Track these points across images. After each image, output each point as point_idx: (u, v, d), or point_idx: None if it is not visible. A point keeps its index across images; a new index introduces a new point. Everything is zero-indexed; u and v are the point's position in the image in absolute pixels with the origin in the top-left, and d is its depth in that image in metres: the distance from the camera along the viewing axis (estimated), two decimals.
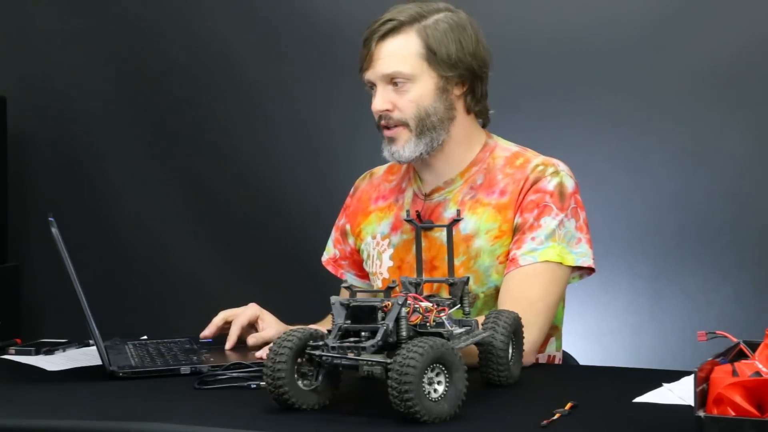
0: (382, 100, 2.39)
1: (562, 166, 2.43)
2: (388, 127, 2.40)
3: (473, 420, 1.80)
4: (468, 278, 2.05)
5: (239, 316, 2.48)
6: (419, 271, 2.08)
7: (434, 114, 2.39)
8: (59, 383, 2.20)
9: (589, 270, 2.42)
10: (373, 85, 2.41)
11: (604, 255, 3.72)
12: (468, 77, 2.41)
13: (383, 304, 1.84)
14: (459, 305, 2.02)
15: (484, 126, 2.50)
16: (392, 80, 2.38)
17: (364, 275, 2.61)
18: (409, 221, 2.13)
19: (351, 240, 2.60)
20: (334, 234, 2.66)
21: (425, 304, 1.90)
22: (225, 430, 1.76)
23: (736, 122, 3.62)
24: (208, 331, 2.47)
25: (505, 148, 2.48)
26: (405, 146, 2.39)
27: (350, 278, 2.63)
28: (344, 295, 2.61)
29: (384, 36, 2.38)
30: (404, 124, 2.39)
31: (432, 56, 2.37)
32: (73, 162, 4.24)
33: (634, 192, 3.72)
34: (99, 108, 4.20)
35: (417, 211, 2.40)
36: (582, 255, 2.39)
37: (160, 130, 4.18)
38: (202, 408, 1.93)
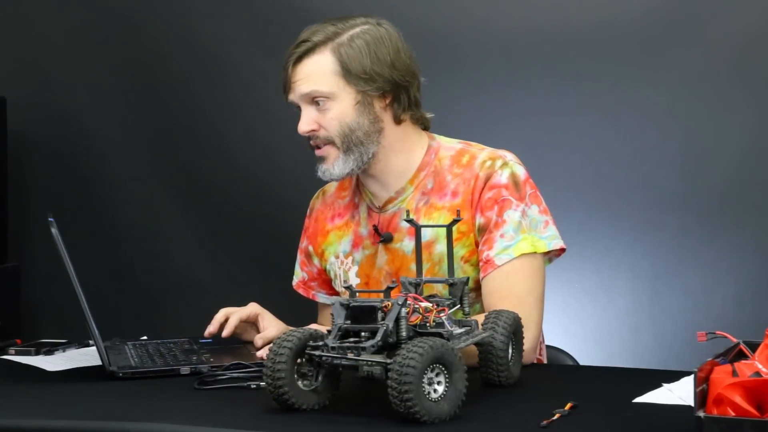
0: (306, 121, 2.42)
1: (509, 156, 2.44)
2: (318, 147, 2.43)
3: (473, 420, 1.80)
4: (468, 279, 2.06)
5: (239, 310, 2.50)
6: (419, 271, 2.08)
7: (359, 129, 2.40)
8: (59, 383, 2.20)
9: (559, 251, 2.43)
10: (297, 108, 2.44)
11: (604, 255, 3.72)
12: (390, 89, 2.42)
13: (383, 305, 1.84)
14: (459, 305, 2.02)
15: (425, 129, 2.51)
16: (313, 100, 2.40)
17: (335, 293, 2.62)
18: (408, 221, 2.12)
19: (316, 261, 2.62)
20: (300, 257, 2.67)
21: (425, 304, 1.90)
22: (225, 430, 1.76)
23: (737, 122, 3.62)
24: (212, 327, 2.48)
25: (448, 147, 2.49)
26: (334, 164, 2.42)
27: (322, 298, 2.64)
28: (324, 314, 2.63)
29: (299, 58, 2.40)
30: (331, 142, 2.41)
31: (347, 73, 2.38)
32: (73, 162, 4.23)
33: (634, 192, 3.71)
34: (99, 108, 4.20)
35: (374, 225, 2.42)
36: (552, 238, 2.41)
37: (161, 130, 4.18)
38: (202, 408, 1.93)
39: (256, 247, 4.08)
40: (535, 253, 2.37)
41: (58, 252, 2.20)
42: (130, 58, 4.17)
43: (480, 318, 2.07)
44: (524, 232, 2.37)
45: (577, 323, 3.69)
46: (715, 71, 3.62)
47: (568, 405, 1.84)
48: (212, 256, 4.12)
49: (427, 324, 1.88)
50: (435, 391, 1.77)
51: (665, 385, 1.98)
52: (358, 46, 2.39)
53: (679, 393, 1.92)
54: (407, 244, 2.43)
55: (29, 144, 4.27)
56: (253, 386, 2.07)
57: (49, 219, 2.24)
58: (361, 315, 1.84)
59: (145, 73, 4.17)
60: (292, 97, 2.43)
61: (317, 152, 2.44)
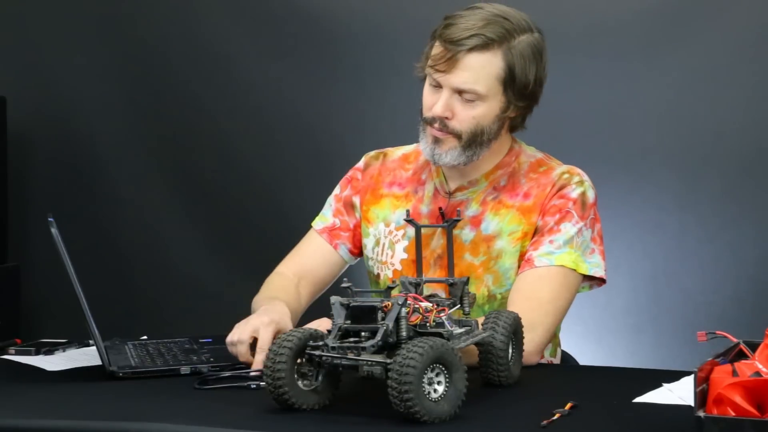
0: (444, 107, 2.36)
1: (585, 177, 2.47)
2: (440, 131, 2.38)
3: (473, 420, 1.80)
4: (468, 278, 2.06)
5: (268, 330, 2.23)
6: (419, 271, 2.08)
7: (487, 133, 2.39)
8: (59, 383, 2.20)
9: (600, 281, 2.43)
10: (438, 85, 2.37)
11: (605, 255, 3.72)
12: (528, 107, 2.42)
13: (383, 304, 1.84)
14: (459, 305, 2.02)
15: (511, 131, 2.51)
16: (461, 92, 2.36)
17: (357, 251, 2.59)
18: (408, 221, 2.12)
19: (358, 214, 2.58)
20: (335, 204, 2.60)
21: (425, 304, 1.90)
22: (225, 430, 1.76)
23: (737, 121, 3.62)
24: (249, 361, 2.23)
25: (530, 154, 2.50)
26: (448, 152, 2.39)
27: (343, 251, 2.59)
28: (331, 268, 2.59)
29: (471, 49, 2.33)
30: (456, 135, 2.38)
31: (510, 83, 2.36)
32: (73, 162, 4.24)
33: (634, 192, 3.71)
34: (99, 108, 4.20)
35: (440, 208, 2.40)
36: (595, 265, 2.41)
37: (161, 130, 4.18)
38: (202, 408, 1.93)
39: (256, 247, 4.08)
40: (575, 270, 2.38)
41: (58, 252, 2.20)
42: (130, 58, 4.17)
43: (480, 318, 2.07)
44: (572, 248, 2.38)
45: (577, 323, 3.68)
46: (715, 71, 3.62)
47: (568, 405, 1.84)
48: (212, 256, 4.13)
49: (427, 324, 1.88)
50: (435, 391, 1.77)
51: (665, 385, 1.98)
52: (528, 57, 2.37)
53: (679, 393, 1.92)
54: (467, 233, 2.43)
55: (29, 144, 4.27)
56: (253, 386, 2.07)
57: (49, 219, 2.23)
58: (361, 315, 1.84)
59: (145, 73, 4.17)
60: (443, 80, 2.35)
61: (437, 133, 2.38)
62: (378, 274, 2.54)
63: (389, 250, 2.51)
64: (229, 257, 4.11)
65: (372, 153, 2.63)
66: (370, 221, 2.55)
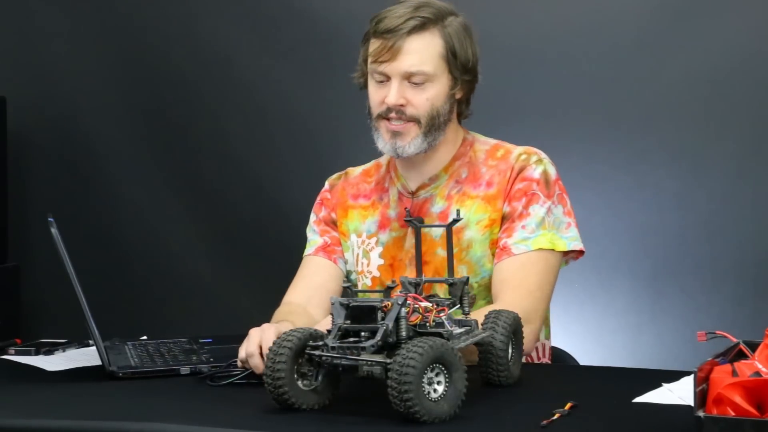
0: (398, 95, 2.38)
1: (543, 154, 2.47)
2: (398, 121, 2.40)
3: (473, 420, 1.80)
4: (467, 278, 2.06)
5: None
6: (419, 271, 2.08)
7: (442, 115, 2.41)
8: (59, 383, 2.20)
9: (579, 253, 2.44)
10: (385, 79, 2.40)
11: (604, 255, 3.72)
12: (471, 83, 2.44)
13: (383, 304, 1.84)
14: (458, 305, 2.02)
15: (459, 121, 2.53)
16: (410, 77, 2.38)
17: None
18: (408, 221, 2.13)
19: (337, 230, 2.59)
20: (318, 227, 2.60)
21: (425, 304, 1.90)
22: (225, 430, 1.76)
23: (736, 122, 3.63)
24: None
25: (483, 141, 2.52)
26: (411, 143, 2.40)
27: (342, 265, 2.58)
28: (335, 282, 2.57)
29: (410, 32, 2.37)
30: (415, 121, 2.39)
31: (452, 58, 2.39)
32: (73, 162, 4.24)
33: (634, 192, 3.72)
34: (99, 108, 4.21)
35: (406, 209, 2.41)
36: (572, 239, 2.43)
37: (161, 130, 4.18)
38: (202, 408, 1.94)
39: (256, 247, 4.08)
40: (553, 250, 2.39)
41: (58, 252, 2.20)
42: (130, 58, 4.18)
43: (480, 317, 2.07)
44: (545, 229, 2.39)
45: (577, 323, 3.69)
46: (716, 72, 3.63)
47: (568, 405, 1.84)
48: (212, 256, 4.13)
49: (427, 324, 1.88)
50: (435, 390, 1.77)
51: (665, 385, 1.98)
52: (461, 35, 2.40)
53: (679, 393, 1.92)
54: (436, 229, 2.43)
55: (29, 144, 4.27)
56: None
57: (49, 219, 2.23)
58: (360, 315, 1.84)
59: (145, 73, 4.17)
60: (389, 69, 2.38)
61: (396, 127, 2.40)
62: (359, 286, 2.53)
63: (364, 259, 2.52)
64: (229, 257, 4.11)
65: (333, 176, 2.65)
66: (344, 235, 2.57)
